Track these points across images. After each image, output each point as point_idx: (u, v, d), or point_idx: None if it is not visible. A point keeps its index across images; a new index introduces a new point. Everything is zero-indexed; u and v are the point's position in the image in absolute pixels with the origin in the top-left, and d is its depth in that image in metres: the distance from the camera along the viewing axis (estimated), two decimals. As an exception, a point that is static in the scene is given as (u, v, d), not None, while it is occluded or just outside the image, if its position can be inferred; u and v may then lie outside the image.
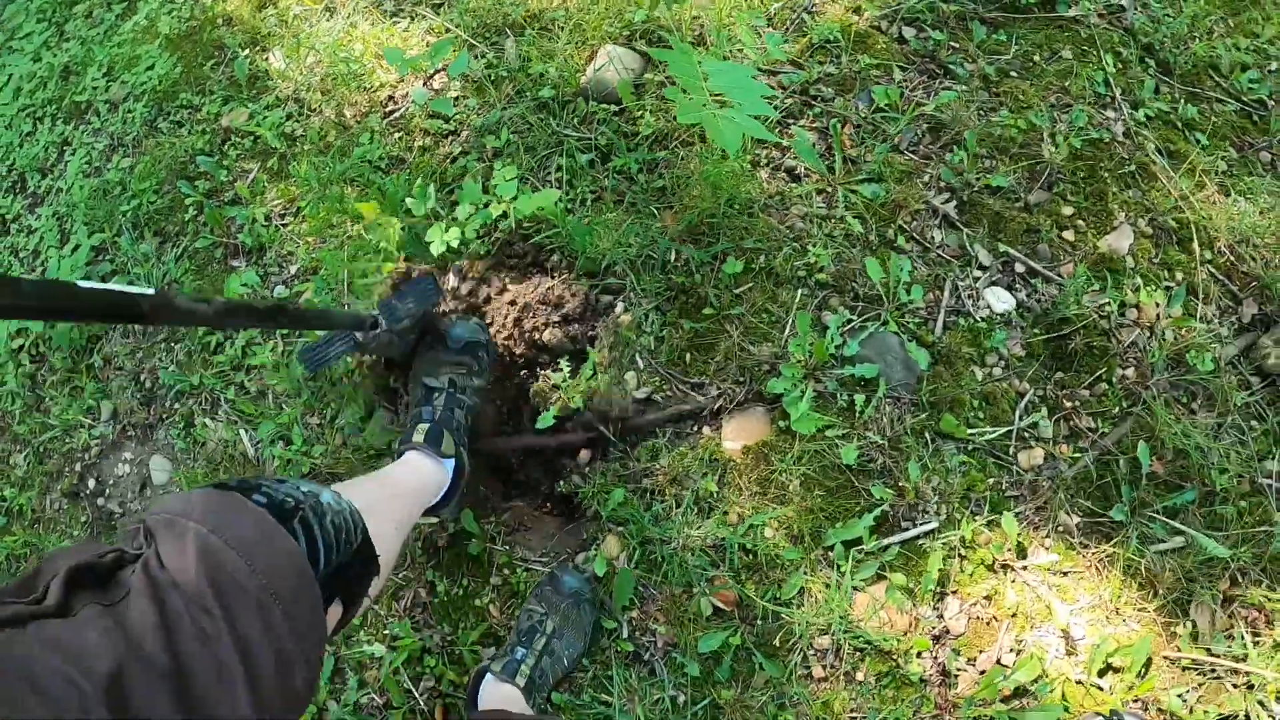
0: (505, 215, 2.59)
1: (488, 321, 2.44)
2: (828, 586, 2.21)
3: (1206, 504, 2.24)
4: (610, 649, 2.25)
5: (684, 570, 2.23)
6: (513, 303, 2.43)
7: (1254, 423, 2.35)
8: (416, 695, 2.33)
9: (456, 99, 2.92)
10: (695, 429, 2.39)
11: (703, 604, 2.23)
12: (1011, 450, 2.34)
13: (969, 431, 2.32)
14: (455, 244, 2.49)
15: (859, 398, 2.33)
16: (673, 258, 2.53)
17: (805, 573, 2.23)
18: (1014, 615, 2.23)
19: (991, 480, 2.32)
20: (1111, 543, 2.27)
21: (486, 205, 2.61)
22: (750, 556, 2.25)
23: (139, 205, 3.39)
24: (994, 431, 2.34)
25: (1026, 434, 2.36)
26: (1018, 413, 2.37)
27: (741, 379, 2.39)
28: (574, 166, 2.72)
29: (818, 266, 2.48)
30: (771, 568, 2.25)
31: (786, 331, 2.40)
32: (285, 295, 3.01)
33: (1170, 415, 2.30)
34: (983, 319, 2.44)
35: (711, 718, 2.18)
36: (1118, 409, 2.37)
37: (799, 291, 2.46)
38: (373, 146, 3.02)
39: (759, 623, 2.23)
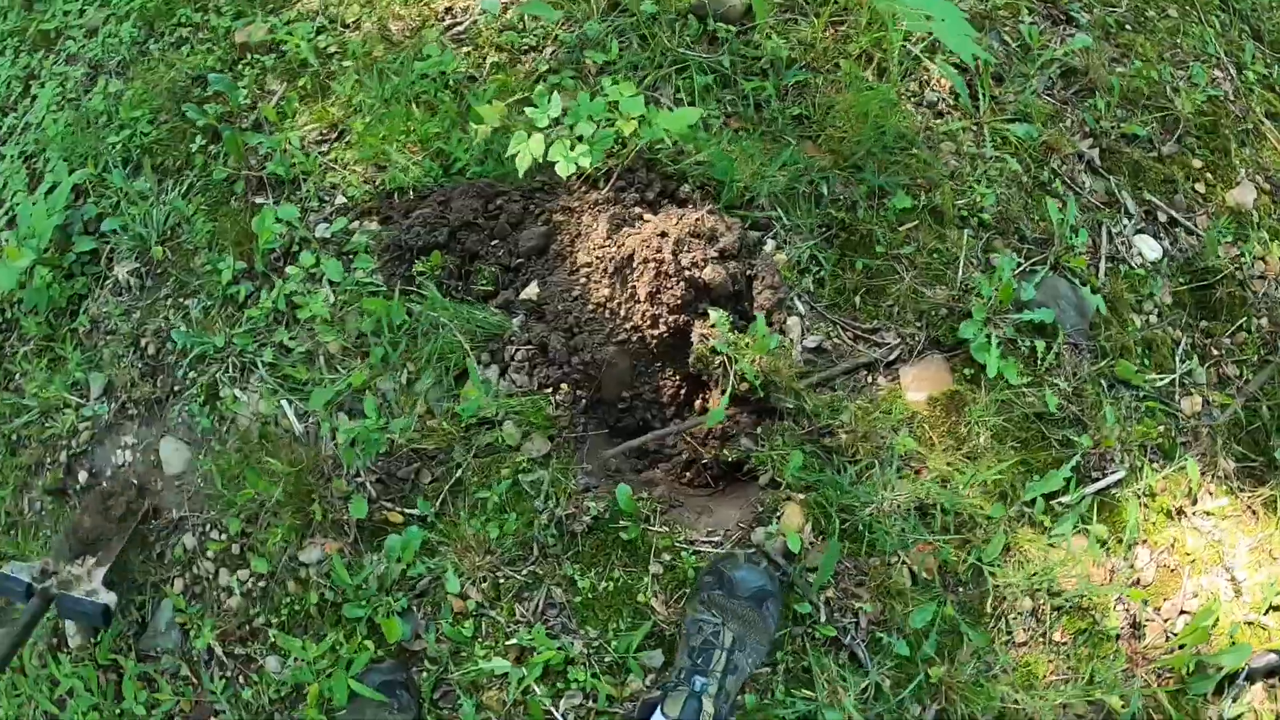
0: (634, 135, 1.99)
1: (632, 251, 1.83)
2: (1031, 543, 1.82)
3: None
4: (804, 636, 1.75)
5: (887, 538, 1.77)
6: (663, 234, 1.85)
7: None
8: (559, 715, 1.73)
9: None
10: (871, 380, 1.92)
11: (903, 574, 1.78)
12: (1176, 396, 2.05)
13: (1142, 378, 1.99)
14: (586, 163, 1.87)
15: (1038, 344, 1.95)
16: (825, 191, 2.03)
17: (1007, 531, 1.83)
18: (1192, 561, 1.94)
19: (1161, 427, 2.01)
20: (1267, 485, 2.02)
21: (611, 123, 2.00)
22: (951, 516, 1.82)
23: (130, 136, 2.49)
24: (1163, 378, 2.03)
25: (1185, 381, 2.07)
26: (1177, 359, 2.07)
27: (920, 324, 1.94)
28: (693, 88, 2.15)
29: (980, 206, 2.07)
30: (972, 527, 1.83)
31: (960, 273, 1.97)
32: (331, 233, 2.26)
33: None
34: (1138, 265, 2.13)
35: (921, 700, 1.74)
36: (1256, 356, 2.13)
37: (964, 232, 2.03)
38: (445, 58, 2.30)
39: (960, 589, 1.80)
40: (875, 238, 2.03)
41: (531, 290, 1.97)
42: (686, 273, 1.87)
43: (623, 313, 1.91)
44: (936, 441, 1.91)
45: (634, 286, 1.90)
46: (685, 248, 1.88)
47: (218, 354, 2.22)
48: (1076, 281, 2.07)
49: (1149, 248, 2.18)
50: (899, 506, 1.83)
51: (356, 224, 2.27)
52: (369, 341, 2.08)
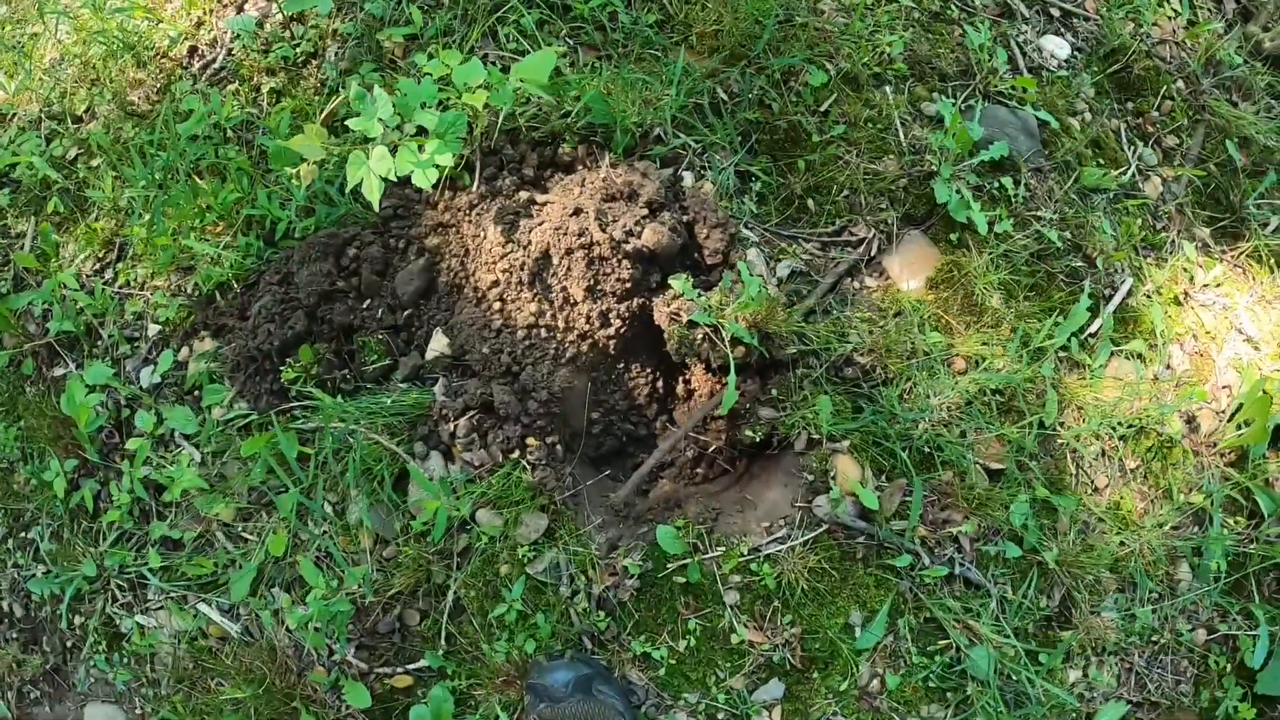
0: (485, 108, 1.36)
1: (547, 246, 1.25)
2: (1082, 387, 1.43)
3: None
4: (913, 589, 1.30)
5: (952, 446, 1.32)
6: (576, 211, 1.26)
7: (1273, 101, 1.92)
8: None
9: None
10: (860, 286, 1.44)
11: (981, 476, 1.35)
12: (1137, 186, 1.69)
13: (1108, 177, 1.62)
14: (446, 160, 1.24)
15: (1005, 181, 1.53)
16: (725, 96, 1.48)
17: (1055, 386, 1.42)
18: (1213, 338, 1.62)
19: (1140, 220, 1.66)
20: (1242, 241, 1.73)
21: (445, 106, 1.36)
22: (998, 396, 1.39)
23: None
24: (1123, 173, 1.68)
25: (1140, 168, 1.72)
26: (1125, 149, 1.72)
27: (884, 205, 1.46)
28: (527, 31, 1.53)
29: (890, 58, 1.60)
30: (1023, 396, 1.41)
31: (903, 136, 1.49)
32: (160, 377, 1.52)
33: (1227, 109, 1.80)
34: (1056, 68, 1.73)
35: (1046, 590, 1.34)
36: (1186, 119, 1.81)
37: (886, 90, 1.55)
38: (212, 106, 1.56)
39: (1033, 462, 1.39)
40: (802, 128, 1.52)
41: (439, 343, 1.34)
42: (625, 245, 1.29)
43: (562, 324, 1.31)
44: (954, 323, 1.46)
45: (564, 288, 1.31)
46: (609, 217, 1.30)
47: (94, 584, 1.48)
48: (1013, 103, 1.64)
49: (1058, 46, 1.80)
50: (949, 409, 1.38)
51: (186, 351, 1.53)
52: (269, 491, 1.39)
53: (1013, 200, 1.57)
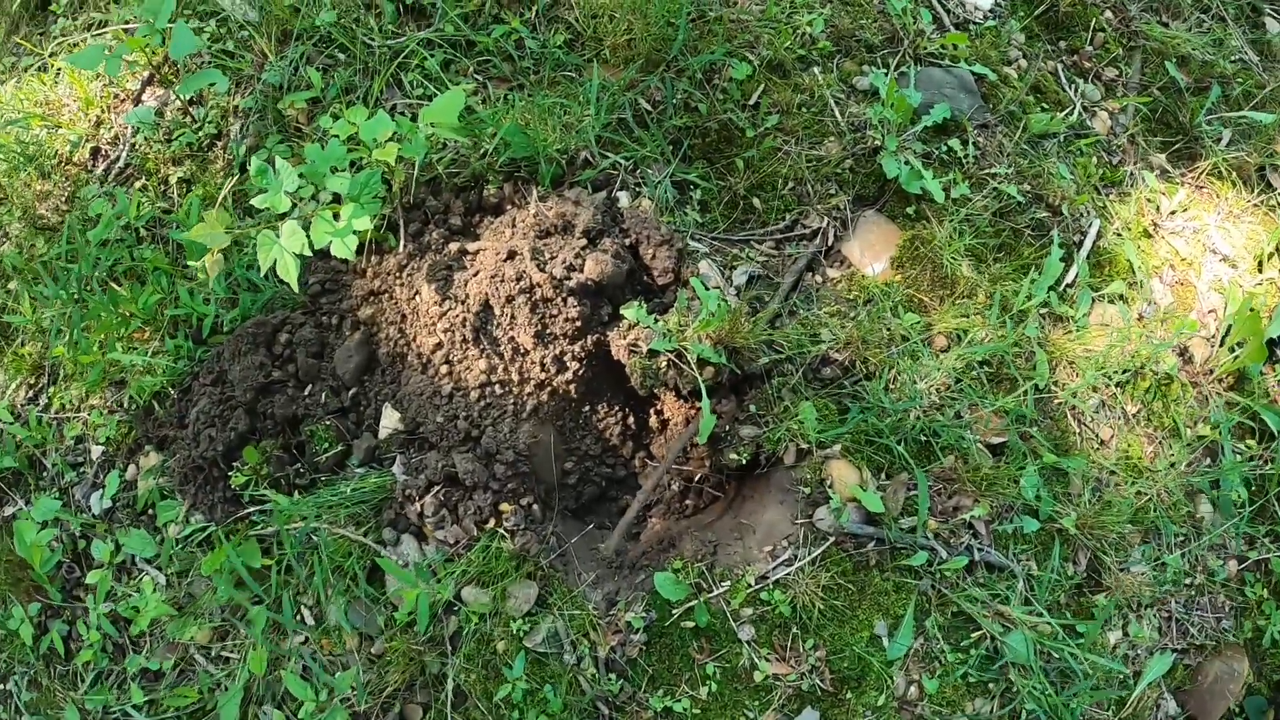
0: (399, 163, 1.18)
1: (485, 297, 1.08)
2: (1069, 342, 1.26)
3: (1228, 93, 1.64)
4: (935, 586, 1.13)
5: (949, 430, 1.15)
6: (510, 255, 1.07)
7: (1203, 16, 1.76)
8: None
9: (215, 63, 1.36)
10: (823, 280, 1.26)
11: (983, 454, 1.18)
12: (1086, 124, 1.53)
13: (1055, 121, 1.45)
14: (365, 225, 1.06)
15: (952, 144, 1.36)
16: (649, 106, 1.31)
17: (1041, 345, 1.25)
18: (1189, 264, 1.46)
19: (1095, 159, 1.49)
20: (1199, 160, 1.57)
21: (358, 166, 1.17)
22: (985, 367, 1.22)
23: None
24: (1068, 114, 1.51)
25: (1084, 106, 1.56)
26: (1066, 89, 1.55)
27: (832, 190, 1.28)
28: (432, 74, 1.35)
29: (812, 38, 1.42)
30: (1012, 361, 1.24)
31: (840, 115, 1.32)
32: (111, 500, 1.33)
33: (1159, 31, 1.64)
34: (983, 20, 1.56)
35: (1070, 557, 1.18)
36: (1121, 49, 1.64)
37: (813, 71, 1.38)
38: (121, 207, 1.37)
39: (1034, 428, 1.23)
40: (734, 125, 1.34)
41: (390, 419, 1.15)
42: (567, 282, 1.11)
43: (516, 376, 1.13)
44: (928, 300, 1.29)
45: (512, 338, 1.12)
46: (547, 255, 1.12)
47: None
48: (946, 62, 1.47)
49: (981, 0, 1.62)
50: (939, 391, 1.21)
51: (133, 469, 1.34)
52: (241, 602, 1.20)
53: (964, 162, 1.41)
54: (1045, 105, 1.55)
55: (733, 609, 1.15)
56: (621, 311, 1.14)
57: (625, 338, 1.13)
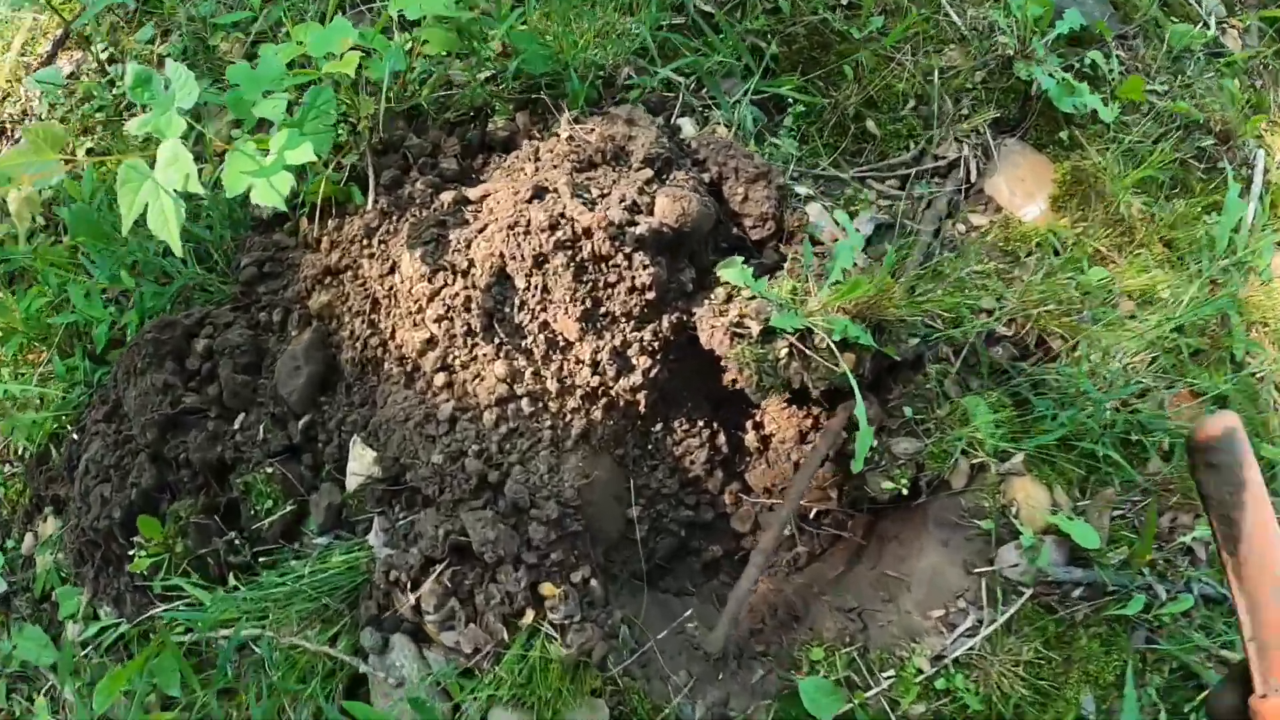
0: (361, 87, 0.67)
1: (500, 260, 0.60)
2: (1259, 295, 0.81)
3: None
4: (1149, 629, 0.65)
5: (1157, 421, 0.68)
6: (537, 192, 0.57)
7: None
8: None
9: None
10: (966, 229, 0.79)
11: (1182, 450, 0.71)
12: (1219, 40, 1.09)
13: (1195, 34, 1.01)
14: (304, 156, 0.55)
15: (1094, 56, 0.90)
16: (712, 7, 0.83)
17: (1239, 307, 0.80)
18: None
19: (1237, 81, 1.05)
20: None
21: (308, 84, 0.67)
22: (1181, 331, 0.76)
23: None
24: (1204, 30, 1.07)
25: (1213, 18, 1.13)
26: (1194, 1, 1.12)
27: (964, 108, 0.81)
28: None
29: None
30: (1193, 332, 0.78)
31: (961, 18, 0.86)
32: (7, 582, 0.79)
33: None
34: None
35: None
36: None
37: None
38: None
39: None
40: (830, 29, 0.87)
41: (362, 460, 0.65)
42: (631, 230, 0.61)
43: (555, 385, 0.64)
44: (1105, 251, 0.83)
45: (545, 322, 0.63)
46: (594, 190, 0.62)
47: None
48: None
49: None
50: (1137, 370, 0.75)
51: (30, 539, 0.82)
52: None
53: (1109, 79, 0.96)
54: (1176, 17, 1.12)
55: (902, 712, 0.67)
56: (717, 273, 0.66)
57: (723, 315, 0.65)
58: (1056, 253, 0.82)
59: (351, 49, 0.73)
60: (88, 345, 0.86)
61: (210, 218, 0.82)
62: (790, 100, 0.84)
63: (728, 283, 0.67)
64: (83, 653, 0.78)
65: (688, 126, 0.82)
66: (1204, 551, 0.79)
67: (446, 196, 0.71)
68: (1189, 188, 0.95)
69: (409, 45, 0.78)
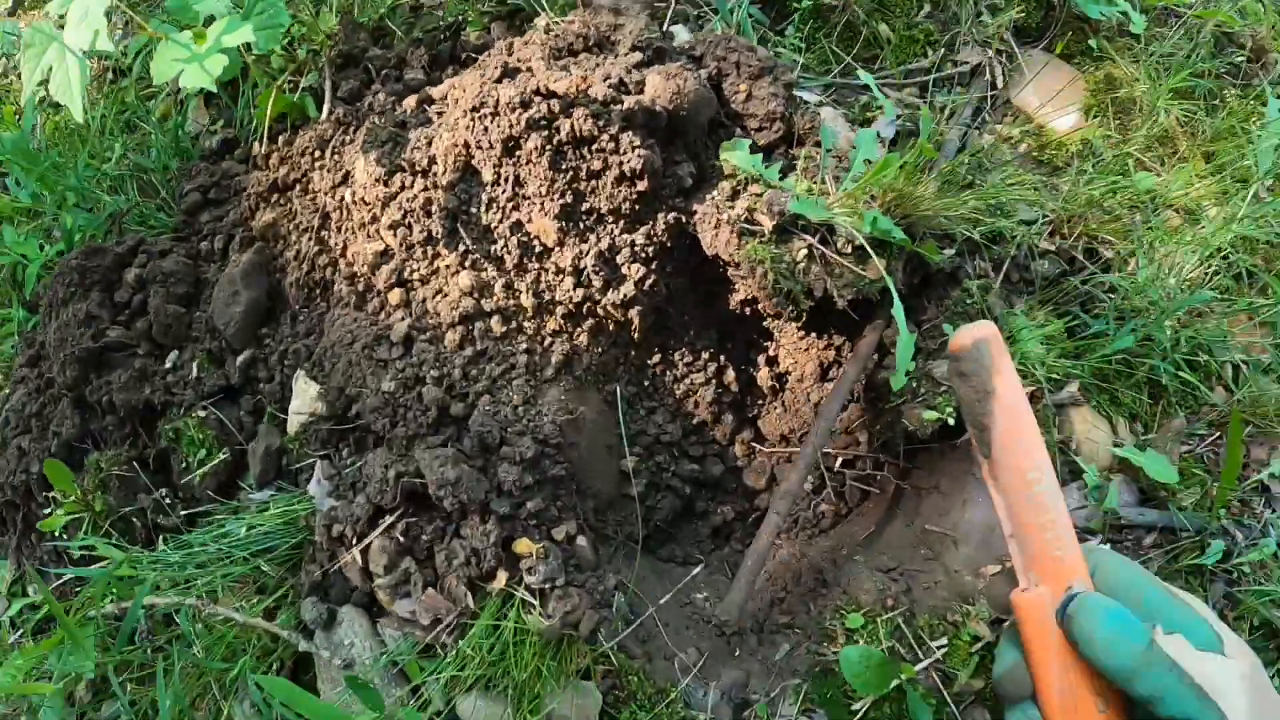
0: (321, 11, 0.51)
1: (465, 151, 0.42)
2: None
3: None
4: (1228, 582, 0.46)
5: (1219, 344, 0.49)
6: (507, 73, 0.39)
7: None
8: None
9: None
10: (992, 140, 0.61)
11: (1252, 376, 0.53)
12: None
13: None
14: (244, 40, 0.38)
15: None
16: None
17: None
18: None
19: None
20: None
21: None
22: (1223, 256, 0.58)
23: None
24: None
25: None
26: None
27: (983, 17, 0.64)
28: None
29: None
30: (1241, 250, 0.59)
31: None
32: None
33: None
34: None
35: None
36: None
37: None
38: None
39: None
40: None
41: (305, 396, 0.47)
42: (618, 106, 0.43)
43: (530, 300, 0.47)
44: (1146, 162, 0.65)
45: (518, 222, 0.46)
46: (574, 71, 0.45)
47: None
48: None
49: None
50: (1194, 286, 0.57)
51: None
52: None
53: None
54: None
55: (957, 687, 0.49)
56: (721, 154, 0.48)
57: (728, 209, 0.48)
58: (1095, 164, 0.65)
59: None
60: (23, 296, 0.70)
61: (154, 144, 0.66)
62: (795, 1, 0.67)
63: (732, 176, 0.50)
64: (12, 633, 0.60)
65: (682, 33, 0.65)
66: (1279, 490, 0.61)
67: (410, 101, 0.55)
68: (1226, 103, 0.78)
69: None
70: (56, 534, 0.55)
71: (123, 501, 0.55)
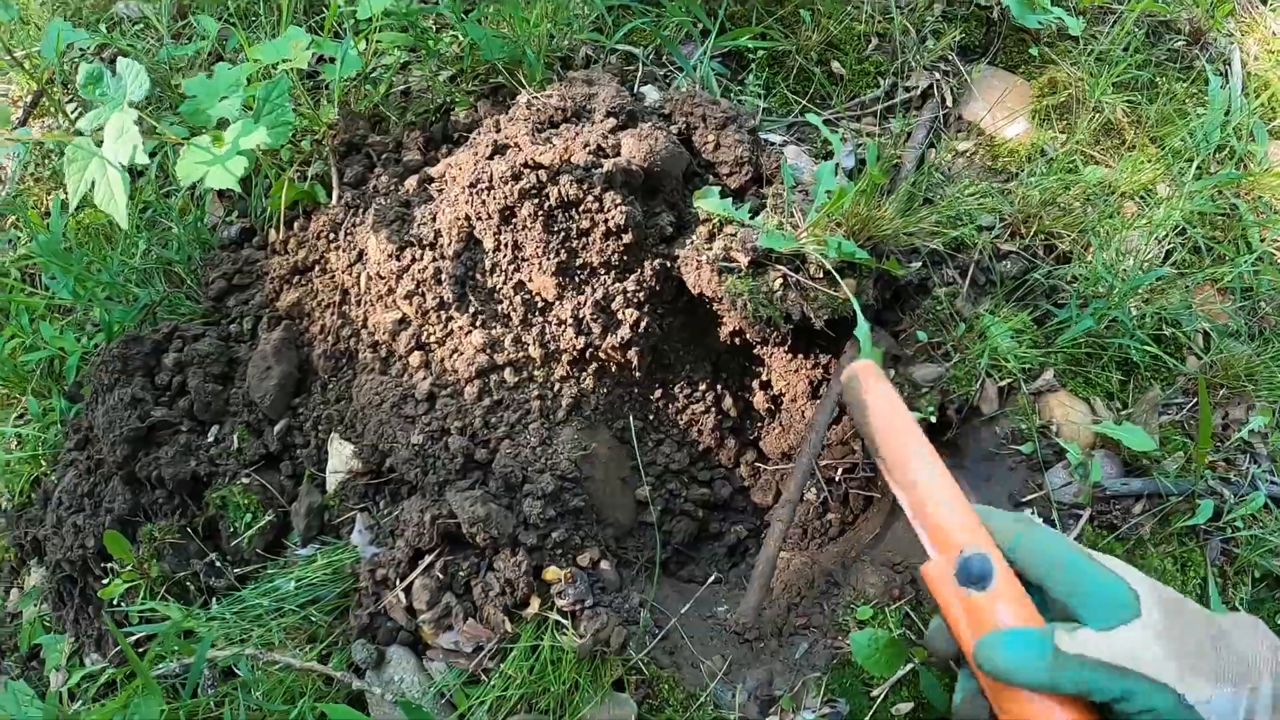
0: (326, 105, 0.62)
1: (467, 223, 0.54)
2: (1260, 182, 0.71)
3: None
4: (1224, 539, 0.53)
5: (1188, 317, 0.58)
6: (497, 150, 0.49)
7: None
8: None
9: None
10: (950, 157, 0.70)
11: (1220, 341, 0.61)
12: None
13: None
14: (261, 143, 0.48)
15: None
16: None
17: (1238, 194, 0.70)
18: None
19: None
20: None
21: (261, 77, 0.61)
22: (1182, 235, 0.66)
23: None
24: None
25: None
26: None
27: (925, 29, 0.74)
28: None
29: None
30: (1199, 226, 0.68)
31: None
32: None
33: None
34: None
35: None
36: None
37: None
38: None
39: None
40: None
41: (340, 457, 0.56)
42: (598, 170, 0.53)
43: (537, 350, 0.56)
44: (1096, 156, 0.74)
45: (520, 282, 0.55)
46: (556, 142, 0.54)
47: None
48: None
49: None
50: (1153, 265, 0.65)
51: (15, 594, 0.73)
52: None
53: (1071, -6, 0.89)
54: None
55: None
56: (694, 202, 0.57)
57: (706, 249, 0.56)
58: (1048, 164, 0.74)
59: (305, 48, 0.68)
60: (62, 387, 0.79)
61: (176, 238, 0.76)
62: (752, 52, 0.77)
63: (709, 220, 0.59)
64: (71, 704, 0.68)
65: (652, 93, 0.75)
66: (1264, 445, 0.68)
67: (411, 181, 0.64)
68: (1169, 90, 0.87)
69: (364, 46, 0.73)
70: (115, 601, 0.63)
71: (177, 567, 0.63)
